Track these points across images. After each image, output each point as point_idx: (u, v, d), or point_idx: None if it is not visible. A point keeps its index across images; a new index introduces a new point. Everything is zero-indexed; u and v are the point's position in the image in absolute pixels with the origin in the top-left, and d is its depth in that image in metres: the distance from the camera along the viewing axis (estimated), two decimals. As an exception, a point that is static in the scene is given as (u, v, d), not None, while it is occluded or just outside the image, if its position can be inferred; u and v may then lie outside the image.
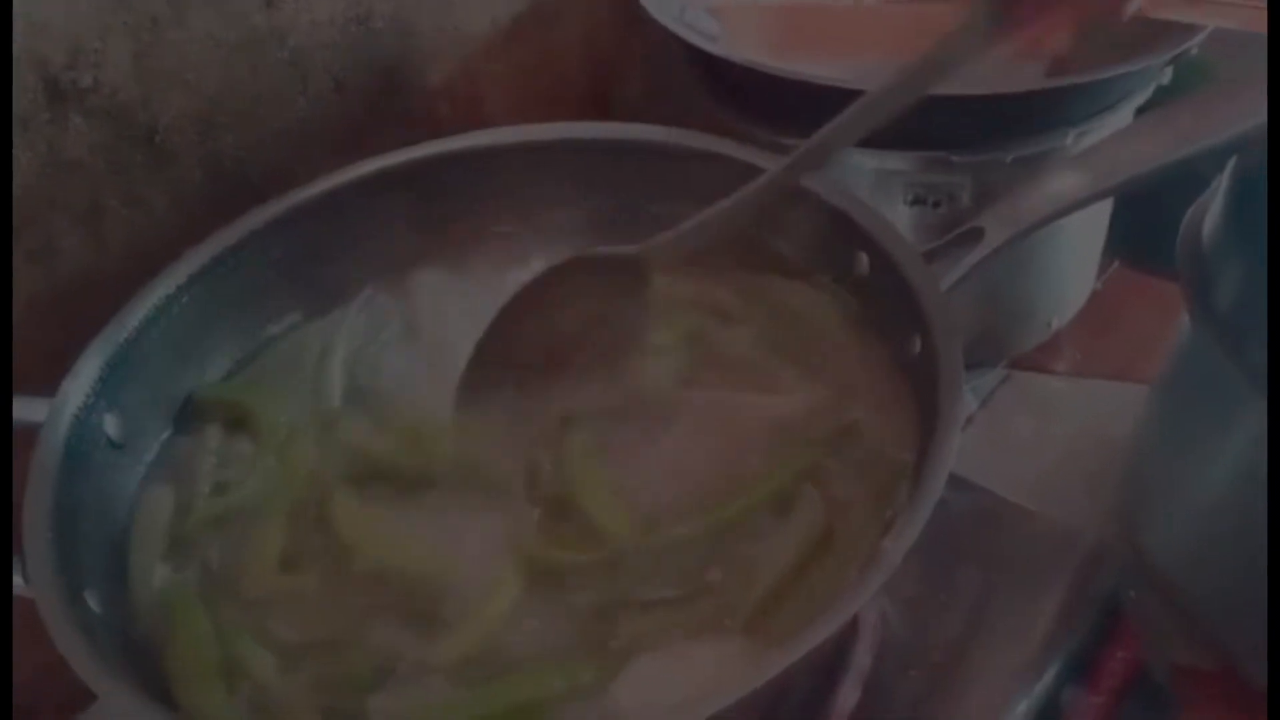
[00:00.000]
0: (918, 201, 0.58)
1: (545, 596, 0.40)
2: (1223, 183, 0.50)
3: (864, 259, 0.49)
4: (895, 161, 0.56)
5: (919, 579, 0.48)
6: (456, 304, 0.51)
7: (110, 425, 0.44)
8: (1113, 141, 0.51)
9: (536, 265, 0.50)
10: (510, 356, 0.46)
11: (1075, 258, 0.66)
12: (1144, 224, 0.70)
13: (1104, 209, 0.66)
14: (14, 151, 0.46)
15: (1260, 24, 0.52)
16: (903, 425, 0.44)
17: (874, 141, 0.55)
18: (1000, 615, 0.47)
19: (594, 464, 0.44)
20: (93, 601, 0.38)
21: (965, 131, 0.55)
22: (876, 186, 0.58)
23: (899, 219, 0.58)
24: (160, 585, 0.41)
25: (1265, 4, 0.52)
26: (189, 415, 0.48)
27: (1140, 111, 0.59)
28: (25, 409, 0.41)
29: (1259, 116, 0.47)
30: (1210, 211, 0.50)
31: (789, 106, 0.57)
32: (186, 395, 0.48)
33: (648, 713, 0.32)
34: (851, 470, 0.43)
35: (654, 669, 0.36)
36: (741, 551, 0.40)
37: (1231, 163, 0.50)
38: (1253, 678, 0.53)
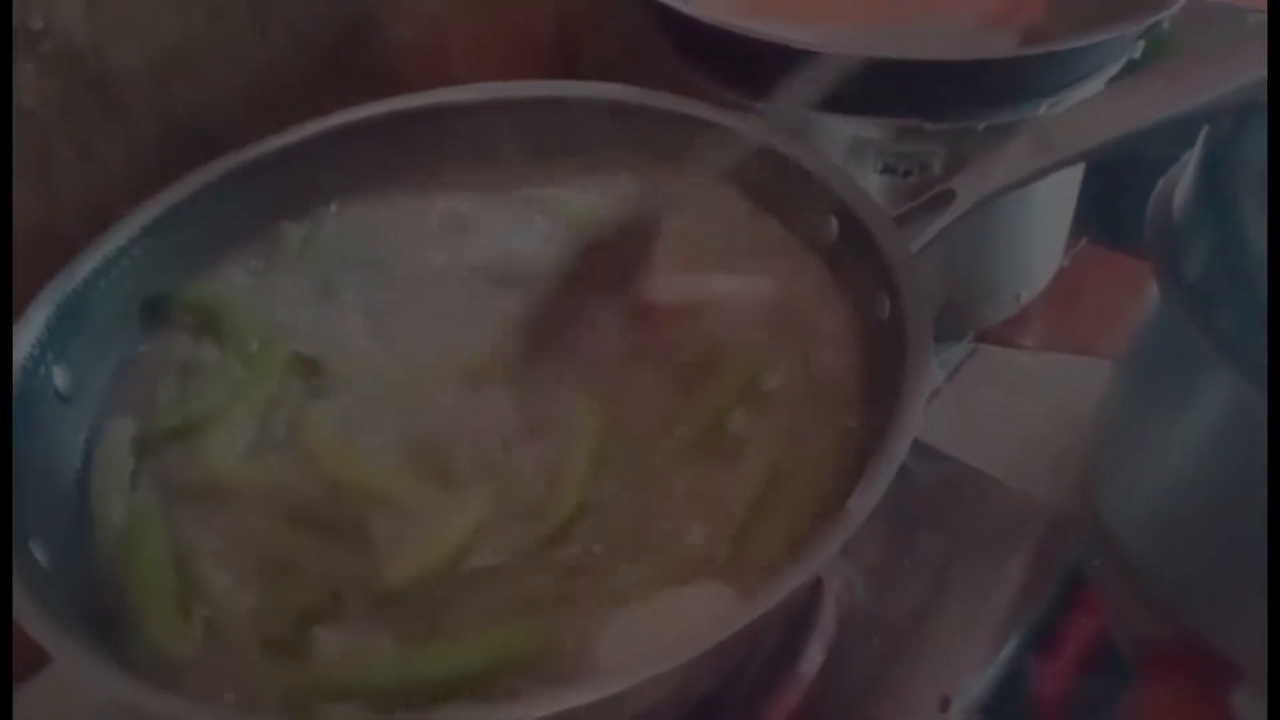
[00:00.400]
0: (888, 170, 0.57)
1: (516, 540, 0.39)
2: (1194, 154, 0.50)
3: (834, 222, 0.48)
4: (868, 129, 0.56)
5: (883, 546, 0.48)
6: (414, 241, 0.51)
7: (59, 377, 0.42)
8: (1083, 108, 0.51)
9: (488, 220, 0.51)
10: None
11: (1043, 232, 0.66)
12: (1111, 202, 0.70)
13: (1072, 185, 0.66)
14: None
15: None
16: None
17: (847, 108, 0.56)
18: (963, 583, 0.47)
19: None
20: (39, 554, 0.36)
21: (939, 98, 0.54)
22: (849, 154, 0.57)
23: (870, 188, 0.57)
24: (120, 519, 0.40)
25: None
26: (153, 322, 0.47)
27: (1112, 83, 0.59)
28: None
29: (1226, 86, 0.47)
30: (1181, 183, 0.50)
31: (759, 69, 0.56)
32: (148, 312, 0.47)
33: (617, 665, 0.31)
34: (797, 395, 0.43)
35: (630, 624, 0.35)
36: (706, 487, 0.40)
37: (1203, 134, 0.50)
38: (1213, 649, 0.53)
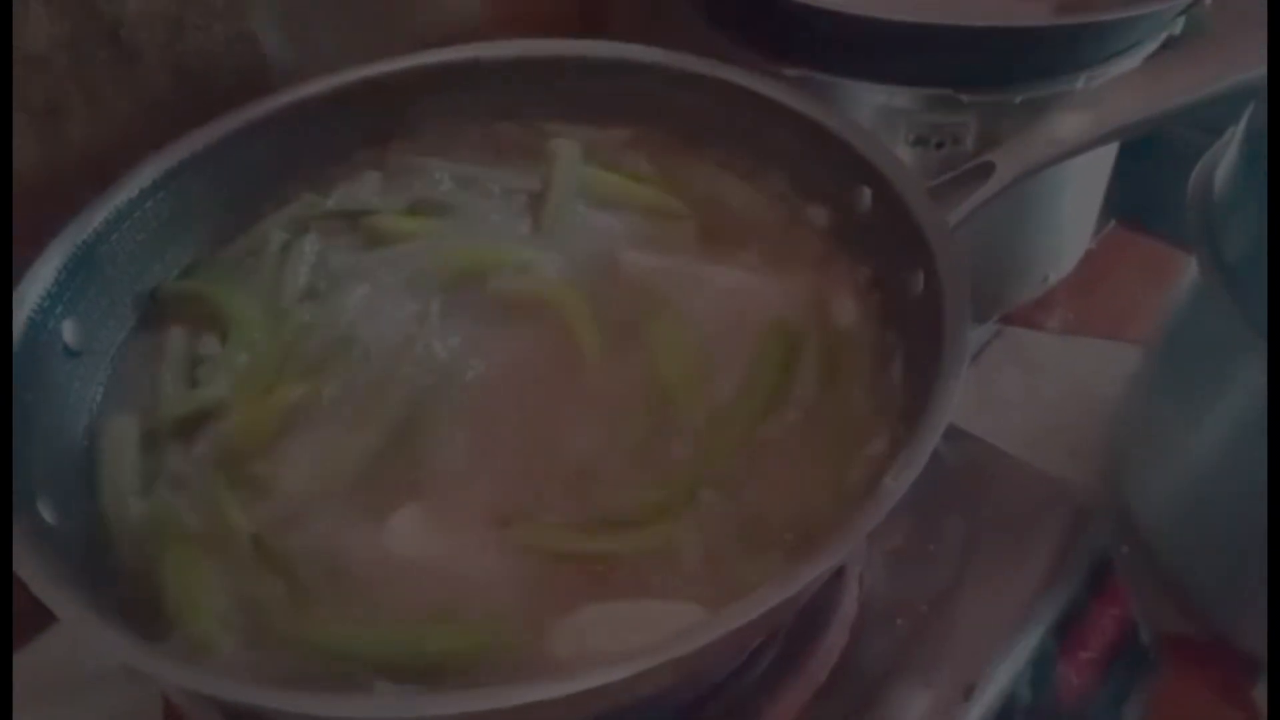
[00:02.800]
0: (920, 142, 0.56)
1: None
2: (1237, 131, 0.49)
3: (866, 193, 0.47)
4: (901, 98, 0.54)
5: (907, 529, 0.47)
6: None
7: (68, 332, 0.41)
8: (1121, 84, 0.50)
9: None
10: None
11: (1074, 213, 0.65)
12: (1142, 185, 0.68)
13: (1104, 166, 0.65)
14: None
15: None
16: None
17: (879, 76, 0.54)
18: (988, 567, 0.46)
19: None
20: (46, 513, 0.35)
21: (975, 67, 0.53)
22: (878, 123, 0.55)
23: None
24: (139, 518, 0.38)
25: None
26: (151, 316, 0.45)
27: (1150, 60, 0.57)
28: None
29: (1265, 64, 0.46)
30: (1223, 162, 0.49)
31: (786, 31, 0.55)
32: (147, 305, 0.45)
33: (607, 656, 0.30)
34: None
35: (600, 618, 0.34)
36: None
37: (1248, 111, 0.49)
38: (1237, 643, 0.52)
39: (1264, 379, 0.45)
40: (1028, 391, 0.65)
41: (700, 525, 0.37)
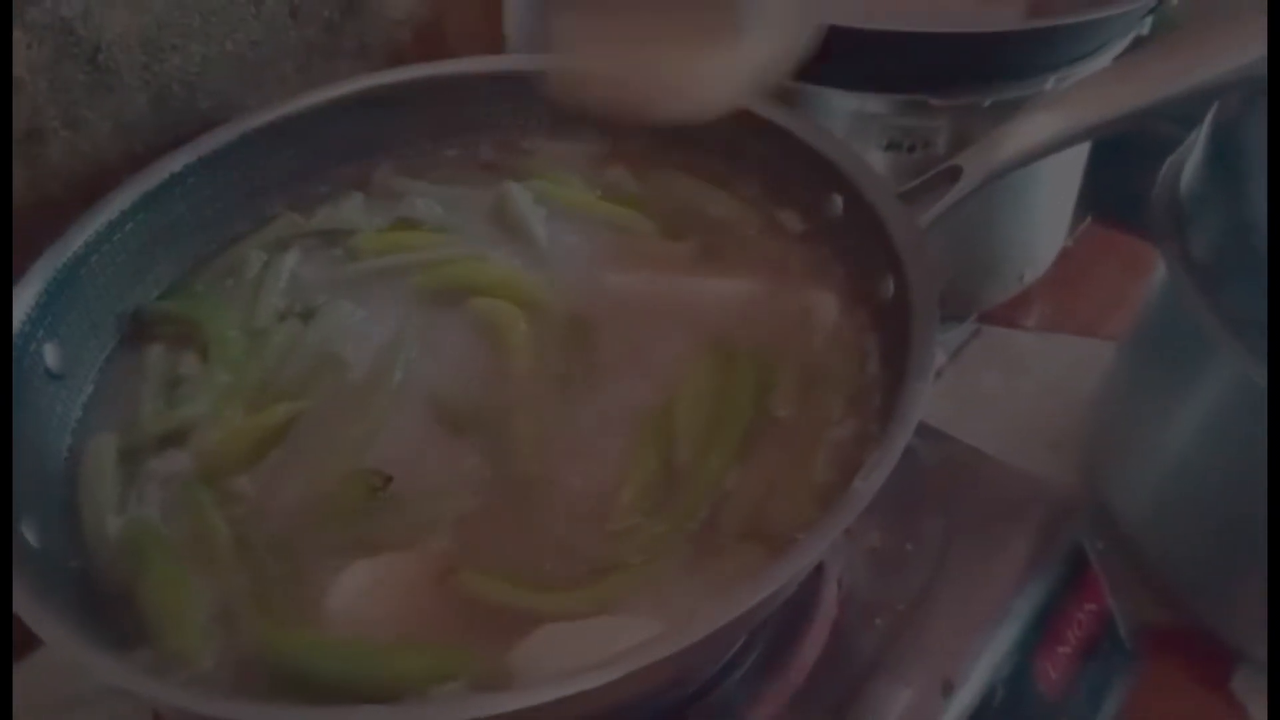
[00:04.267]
0: (893, 146, 0.56)
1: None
2: (1202, 132, 0.50)
3: (838, 200, 0.47)
4: (872, 104, 0.55)
5: (885, 528, 0.48)
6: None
7: (49, 355, 0.41)
8: (1089, 84, 0.50)
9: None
10: None
11: (1049, 212, 0.66)
12: (1116, 181, 0.69)
13: (1077, 164, 0.66)
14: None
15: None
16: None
17: (851, 83, 0.55)
18: (965, 564, 0.46)
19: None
20: (30, 535, 0.36)
21: (944, 72, 0.53)
22: (852, 129, 0.56)
23: (874, 164, 0.56)
24: (117, 536, 0.38)
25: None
26: (133, 336, 0.45)
27: (1119, 59, 0.58)
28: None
29: (1234, 61, 0.46)
30: (1189, 161, 0.50)
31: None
32: (128, 325, 0.46)
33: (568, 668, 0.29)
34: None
35: (557, 637, 0.34)
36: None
37: (1211, 111, 0.49)
38: (1214, 632, 0.53)
39: (1233, 374, 0.46)
40: (1007, 389, 0.65)
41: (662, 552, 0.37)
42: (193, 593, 0.36)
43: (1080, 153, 0.65)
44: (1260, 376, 0.43)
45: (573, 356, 0.44)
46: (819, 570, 0.45)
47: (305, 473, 0.39)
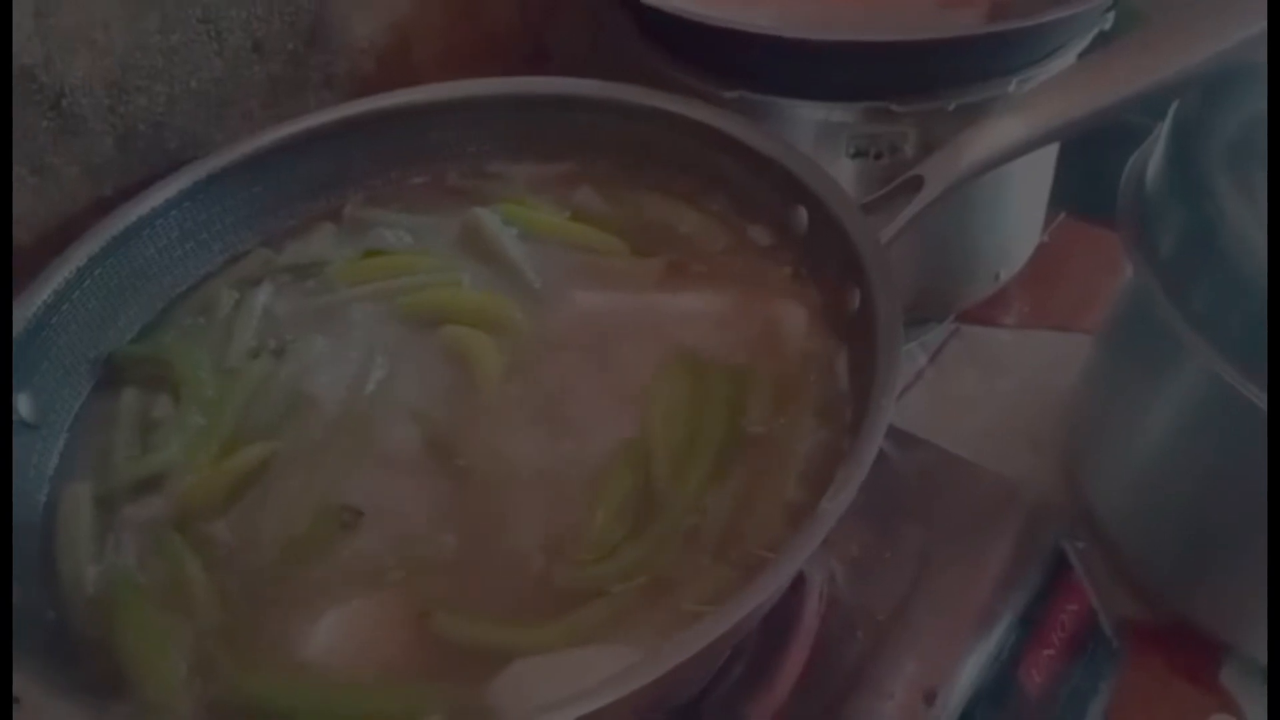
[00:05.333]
0: (860, 154, 0.56)
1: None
2: (1163, 129, 0.50)
3: (803, 214, 0.48)
4: (838, 113, 0.55)
5: (864, 538, 0.48)
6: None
7: (23, 405, 0.42)
8: (1051, 87, 0.50)
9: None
10: None
11: (1021, 209, 0.66)
12: (1089, 173, 0.69)
13: (1048, 160, 0.66)
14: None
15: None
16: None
17: (814, 93, 0.55)
18: (946, 571, 0.47)
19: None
20: (16, 594, 0.36)
21: (907, 80, 0.54)
22: (819, 139, 0.56)
23: (843, 172, 0.57)
24: (95, 586, 0.38)
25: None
26: (106, 381, 0.45)
27: (1082, 57, 0.58)
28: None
29: (1197, 55, 0.47)
30: (1152, 158, 0.50)
31: (723, 56, 0.56)
32: (101, 371, 0.46)
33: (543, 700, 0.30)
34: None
35: (533, 670, 0.34)
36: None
37: (1172, 109, 0.50)
38: (1200, 627, 0.53)
39: (1201, 370, 0.46)
40: (987, 388, 0.66)
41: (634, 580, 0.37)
42: (170, 642, 0.36)
43: (1051, 148, 0.65)
44: (1227, 373, 0.43)
45: (546, 382, 0.44)
46: (800, 583, 0.45)
47: (279, 514, 0.39)
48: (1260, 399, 0.42)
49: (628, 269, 0.49)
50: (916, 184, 0.45)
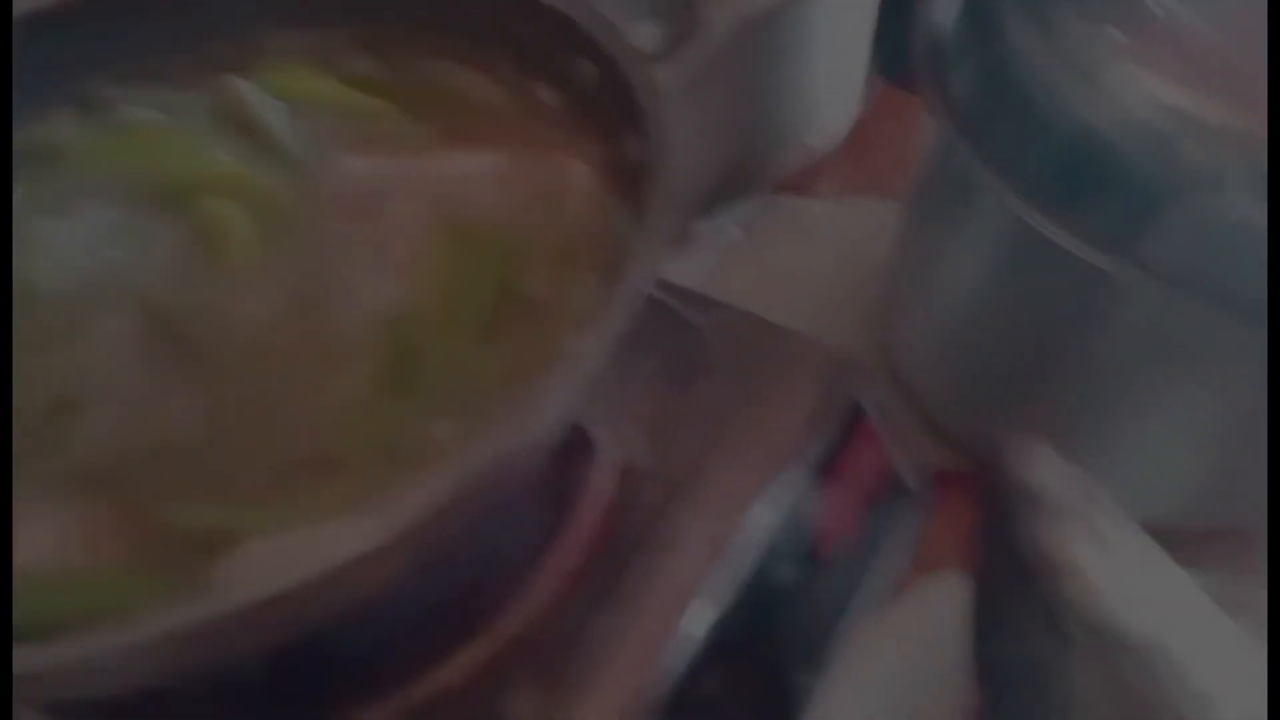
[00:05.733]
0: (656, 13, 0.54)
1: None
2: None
3: (591, 69, 0.46)
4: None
5: (661, 400, 0.47)
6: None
7: None
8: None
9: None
10: None
11: (831, 74, 0.65)
12: (907, 40, 0.69)
13: (862, 23, 0.65)
14: None
15: None
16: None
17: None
18: (743, 428, 0.46)
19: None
20: None
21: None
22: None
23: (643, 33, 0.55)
24: None
25: None
26: None
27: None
28: None
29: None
30: (940, 3, 0.49)
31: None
32: None
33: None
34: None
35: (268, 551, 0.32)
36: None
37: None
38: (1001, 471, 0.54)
39: (1002, 216, 0.46)
40: (806, 259, 0.65)
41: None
42: None
43: (867, 11, 0.64)
44: (1027, 217, 0.43)
45: (305, 255, 0.41)
46: (587, 448, 0.44)
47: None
48: (1063, 238, 0.42)
49: (401, 133, 0.46)
50: (694, 27, 0.43)
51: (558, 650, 0.41)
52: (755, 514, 0.44)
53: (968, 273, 0.52)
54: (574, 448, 0.45)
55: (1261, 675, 0.37)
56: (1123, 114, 0.38)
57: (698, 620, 0.42)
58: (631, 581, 0.41)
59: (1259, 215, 0.36)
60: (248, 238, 0.41)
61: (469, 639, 0.40)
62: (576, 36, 0.46)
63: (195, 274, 0.40)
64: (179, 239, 0.42)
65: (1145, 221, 0.38)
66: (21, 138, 0.46)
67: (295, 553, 0.32)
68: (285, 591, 0.28)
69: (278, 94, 0.47)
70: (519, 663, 0.40)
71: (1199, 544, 0.50)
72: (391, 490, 0.34)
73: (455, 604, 0.40)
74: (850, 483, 0.48)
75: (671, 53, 0.43)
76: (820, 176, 0.69)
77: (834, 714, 0.47)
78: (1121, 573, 0.39)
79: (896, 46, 0.70)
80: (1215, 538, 0.50)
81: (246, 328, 0.39)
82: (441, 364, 0.38)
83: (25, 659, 0.27)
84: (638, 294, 0.35)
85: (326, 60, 0.50)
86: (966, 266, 0.51)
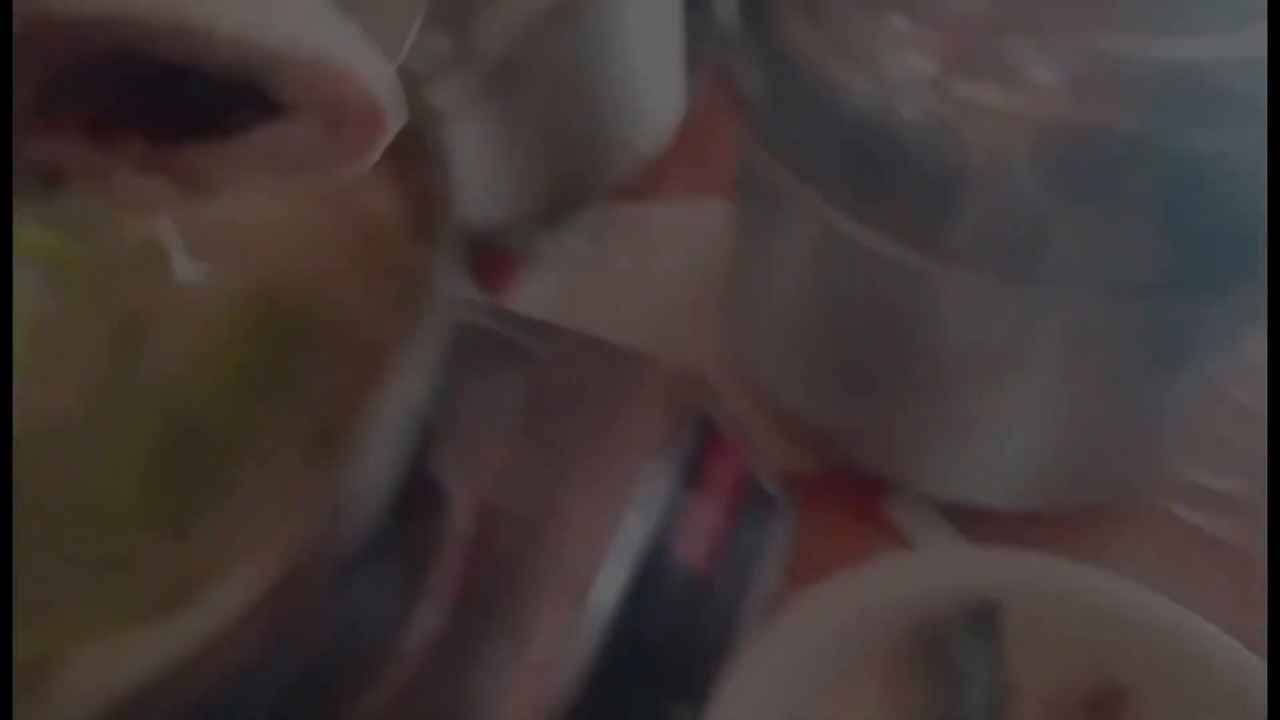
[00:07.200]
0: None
1: None
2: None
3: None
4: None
5: (512, 440, 0.45)
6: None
7: None
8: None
9: None
10: None
11: (651, 73, 0.63)
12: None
13: (671, 17, 0.63)
14: None
15: None
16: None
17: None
18: (594, 460, 0.44)
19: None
20: None
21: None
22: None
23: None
24: None
25: None
26: None
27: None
28: None
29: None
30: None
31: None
32: None
33: None
34: None
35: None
36: None
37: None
38: (858, 466, 0.54)
39: (809, 213, 0.45)
40: (646, 267, 0.64)
41: None
42: None
43: (671, 11, 0.62)
44: (829, 214, 0.42)
45: (94, 325, 0.37)
46: (436, 498, 0.42)
47: None
48: (860, 234, 0.41)
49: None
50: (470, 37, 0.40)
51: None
52: (614, 549, 0.42)
53: (793, 271, 0.50)
54: (419, 498, 0.43)
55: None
56: (906, 106, 0.37)
57: (568, 669, 0.40)
58: (499, 637, 0.39)
59: (1047, 196, 0.36)
60: (31, 318, 0.37)
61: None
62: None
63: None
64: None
65: (940, 212, 0.38)
66: None
67: (127, 657, 0.29)
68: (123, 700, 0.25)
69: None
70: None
71: (1059, 526, 0.50)
72: (195, 578, 0.31)
73: (314, 688, 0.37)
74: (711, 500, 0.46)
75: (450, 70, 0.41)
76: (659, 180, 0.67)
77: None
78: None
79: (708, 36, 0.68)
80: (1073, 519, 0.51)
81: (37, 415, 0.35)
82: (236, 431, 0.35)
83: None
84: (438, 326, 0.32)
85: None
86: (790, 265, 0.50)
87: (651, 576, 0.43)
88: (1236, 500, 0.52)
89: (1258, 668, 0.39)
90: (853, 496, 0.54)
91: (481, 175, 0.54)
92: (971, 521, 0.53)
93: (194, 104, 0.28)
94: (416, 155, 0.39)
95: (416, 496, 0.34)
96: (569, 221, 0.64)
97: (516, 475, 0.44)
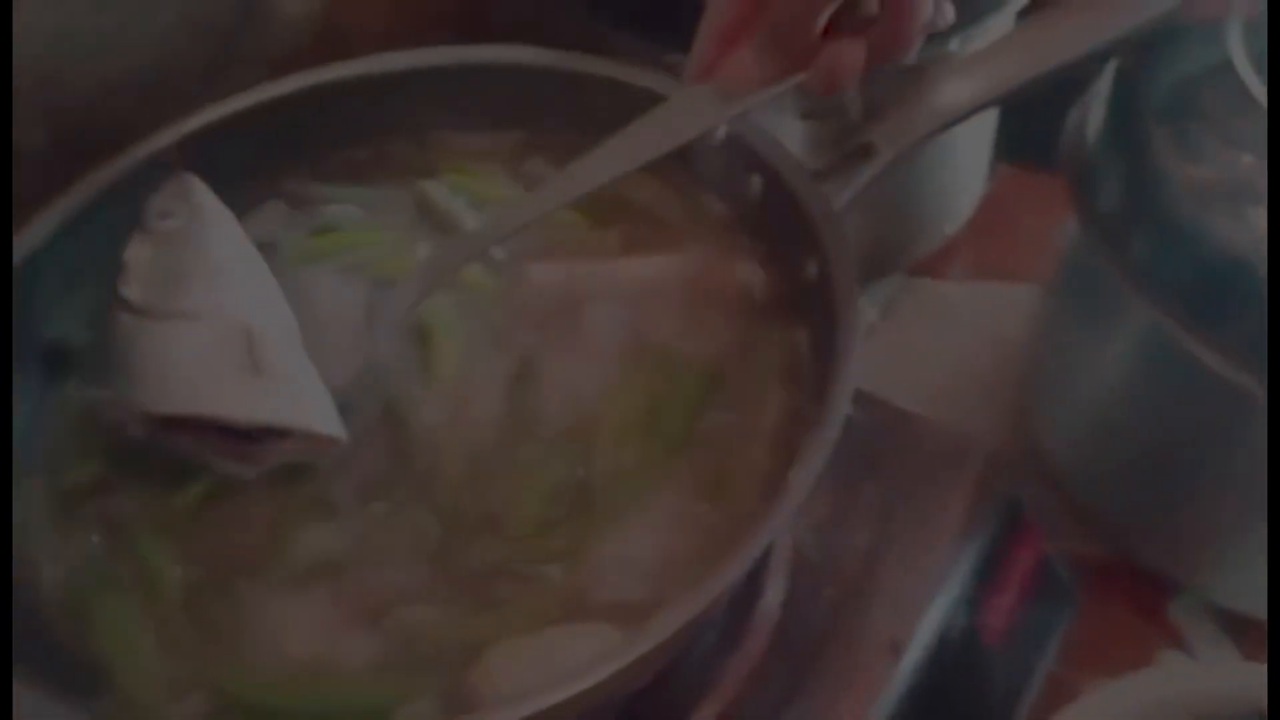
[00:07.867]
0: (809, 115, 0.57)
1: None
2: (1104, 84, 0.51)
3: (757, 181, 0.48)
4: (783, 78, 0.55)
5: (828, 497, 0.49)
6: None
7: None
8: (996, 49, 0.51)
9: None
10: None
11: (966, 163, 0.67)
12: (1029, 122, 0.70)
13: (990, 113, 0.66)
14: None
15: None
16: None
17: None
18: (907, 525, 0.48)
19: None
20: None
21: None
22: (770, 101, 0.56)
23: (792, 135, 0.57)
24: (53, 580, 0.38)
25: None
26: (57, 369, 0.44)
27: (1021, 15, 0.59)
28: None
29: (1138, 18, 0.47)
30: (1092, 113, 0.51)
31: (663, 19, 0.55)
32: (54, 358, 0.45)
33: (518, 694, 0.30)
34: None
35: (508, 656, 0.35)
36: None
37: (1112, 64, 0.50)
38: (1150, 565, 0.55)
39: (1144, 322, 0.47)
40: (939, 341, 0.67)
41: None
42: (145, 637, 0.36)
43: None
44: (1167, 327, 0.44)
45: (502, 360, 0.44)
46: (767, 549, 0.46)
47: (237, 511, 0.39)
48: (1202, 353, 0.43)
49: (585, 239, 0.49)
50: (869, 150, 0.45)
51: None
52: (927, 617, 0.45)
53: (1109, 370, 0.52)
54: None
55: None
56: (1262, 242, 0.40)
57: (881, 713, 0.43)
58: (815, 680, 0.43)
59: None
60: (449, 350, 0.44)
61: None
62: (742, 149, 0.48)
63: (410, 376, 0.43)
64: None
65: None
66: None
67: (534, 661, 0.34)
68: (559, 700, 0.30)
69: (462, 194, 0.50)
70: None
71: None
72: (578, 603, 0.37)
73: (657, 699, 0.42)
74: (1010, 579, 0.49)
75: (839, 173, 0.45)
76: (950, 258, 0.70)
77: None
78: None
79: (1017, 128, 0.71)
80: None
81: (455, 441, 0.41)
82: (625, 483, 0.40)
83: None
84: (840, 418, 0.36)
85: (501, 161, 0.53)
86: (1108, 364, 0.52)
87: (949, 643, 0.46)
88: None
89: None
90: (1136, 590, 0.55)
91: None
92: (1249, 633, 0.54)
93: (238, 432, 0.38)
94: (797, 240, 0.44)
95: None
96: (866, 291, 0.67)
97: (833, 532, 0.48)
